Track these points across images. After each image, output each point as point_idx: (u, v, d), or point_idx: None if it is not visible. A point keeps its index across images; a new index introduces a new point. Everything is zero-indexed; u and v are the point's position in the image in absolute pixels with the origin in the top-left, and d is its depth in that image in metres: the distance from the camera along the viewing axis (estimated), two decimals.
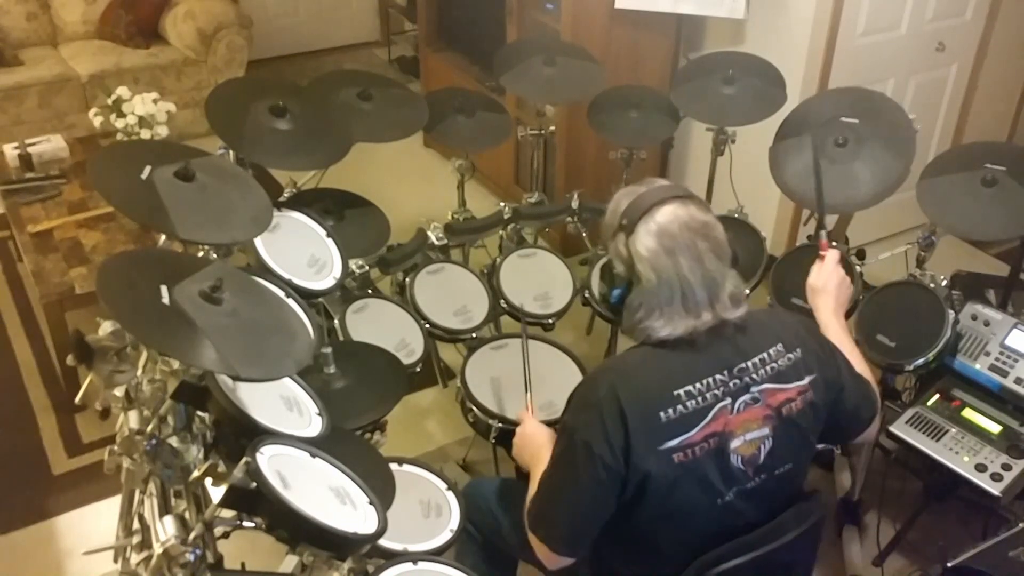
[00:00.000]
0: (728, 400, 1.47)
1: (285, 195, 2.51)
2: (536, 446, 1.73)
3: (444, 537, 1.74)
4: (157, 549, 1.38)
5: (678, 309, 1.46)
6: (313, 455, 1.51)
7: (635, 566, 1.61)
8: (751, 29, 3.41)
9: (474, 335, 2.45)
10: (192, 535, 1.39)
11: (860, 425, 1.70)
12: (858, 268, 2.35)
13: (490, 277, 2.60)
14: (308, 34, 5.92)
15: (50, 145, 3.52)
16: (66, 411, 2.96)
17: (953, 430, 2.12)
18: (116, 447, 1.56)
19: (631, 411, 1.42)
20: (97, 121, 3.33)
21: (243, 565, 1.63)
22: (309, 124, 2.23)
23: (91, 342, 1.65)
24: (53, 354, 3.10)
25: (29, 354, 3.24)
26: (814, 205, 2.34)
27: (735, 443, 1.48)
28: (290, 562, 1.37)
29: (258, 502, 1.32)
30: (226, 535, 1.58)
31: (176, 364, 1.64)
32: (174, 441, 1.62)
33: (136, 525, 1.72)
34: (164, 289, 1.38)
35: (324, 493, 1.43)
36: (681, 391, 1.45)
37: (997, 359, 2.13)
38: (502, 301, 2.53)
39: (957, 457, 2.05)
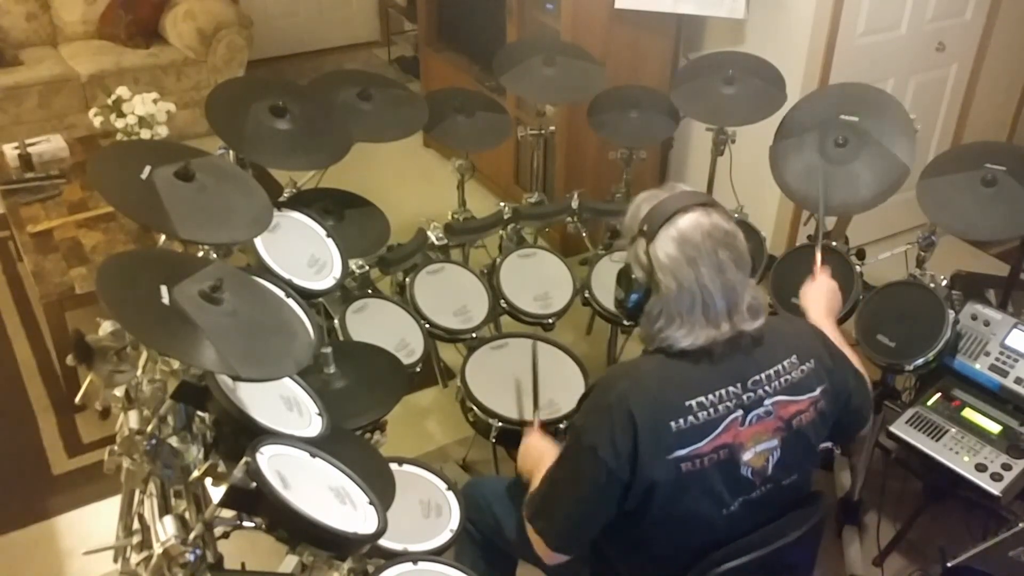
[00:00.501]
0: (740, 412, 1.47)
1: (285, 195, 2.51)
2: (539, 456, 1.74)
3: (444, 537, 1.74)
4: (157, 549, 1.38)
5: (699, 319, 1.44)
6: (313, 455, 1.51)
7: (637, 568, 1.61)
8: (751, 29, 3.41)
9: (474, 335, 2.45)
10: (192, 535, 1.39)
11: (861, 424, 1.71)
12: (858, 268, 2.35)
13: (490, 277, 2.60)
14: (308, 34, 5.92)
15: (50, 145, 3.52)
16: (66, 411, 2.96)
17: (953, 430, 2.12)
18: (116, 447, 1.56)
19: (641, 419, 1.42)
20: (97, 121, 3.33)
21: (243, 565, 1.63)
22: (309, 124, 2.23)
23: (91, 342, 1.65)
24: (53, 354, 3.10)
25: (29, 354, 3.24)
26: (813, 206, 2.35)
27: (746, 455, 1.47)
28: (290, 562, 1.37)
29: (258, 502, 1.32)
30: (226, 535, 1.58)
31: (176, 364, 1.64)
32: (174, 441, 1.62)
33: (136, 525, 1.72)
34: (164, 289, 1.38)
35: (324, 493, 1.43)
36: (693, 402, 1.44)
37: (997, 359, 2.13)
38: (502, 300, 2.53)
39: (957, 457, 2.05)
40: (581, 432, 1.49)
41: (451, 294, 2.51)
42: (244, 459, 1.31)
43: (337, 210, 2.43)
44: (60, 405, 2.99)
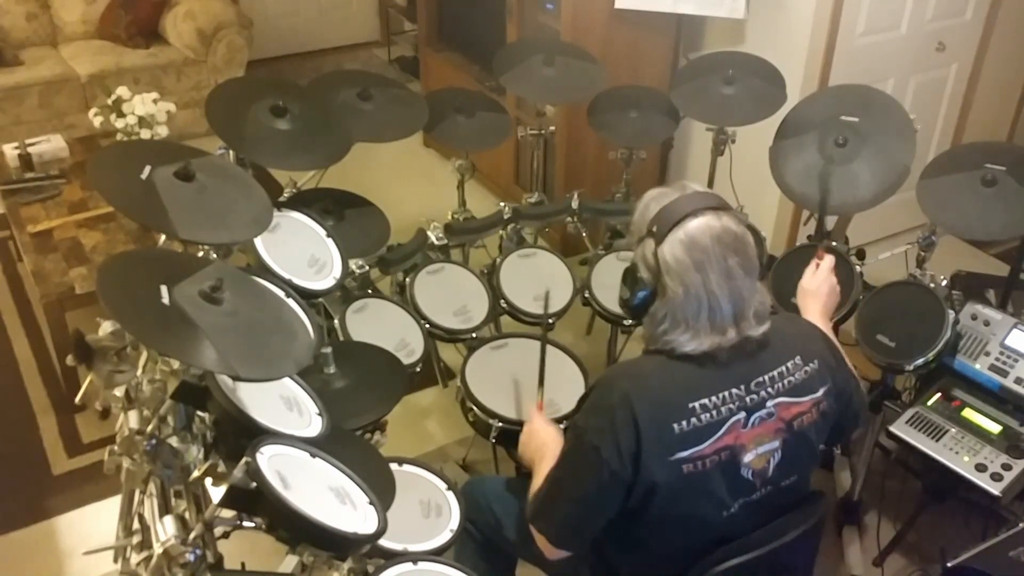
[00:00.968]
0: (742, 414, 1.46)
1: (285, 195, 2.51)
2: (541, 442, 1.73)
3: (444, 537, 1.74)
4: (157, 549, 1.38)
5: (704, 324, 1.43)
6: (313, 455, 1.51)
7: (636, 567, 1.61)
8: (751, 29, 3.41)
9: (474, 335, 2.45)
10: (192, 535, 1.39)
11: (858, 425, 1.72)
12: (858, 268, 2.35)
13: (490, 277, 2.60)
14: (308, 34, 5.92)
15: (50, 145, 3.52)
16: (66, 411, 2.96)
17: (953, 430, 2.12)
18: (116, 447, 1.56)
19: (644, 420, 1.41)
20: (97, 121, 3.33)
21: (243, 565, 1.63)
22: (309, 124, 2.23)
23: (91, 342, 1.65)
24: (53, 354, 3.10)
25: (29, 354, 3.24)
26: (814, 205, 2.35)
27: (748, 457, 1.47)
28: (290, 562, 1.37)
29: (258, 502, 1.32)
30: (226, 535, 1.58)
31: (176, 364, 1.64)
32: (174, 441, 1.62)
33: (136, 525, 1.72)
34: (164, 289, 1.38)
35: (324, 493, 1.43)
36: (696, 404, 1.43)
37: (997, 359, 2.13)
38: (502, 300, 2.53)
39: (957, 457, 2.05)
40: (583, 432, 1.48)
41: (451, 294, 2.51)
42: (244, 459, 1.31)
43: (337, 210, 2.43)
44: (60, 405, 2.99)
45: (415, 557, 1.54)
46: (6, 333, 3.35)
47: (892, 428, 2.16)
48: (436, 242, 2.64)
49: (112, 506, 1.94)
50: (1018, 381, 2.09)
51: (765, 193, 2.73)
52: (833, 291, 1.91)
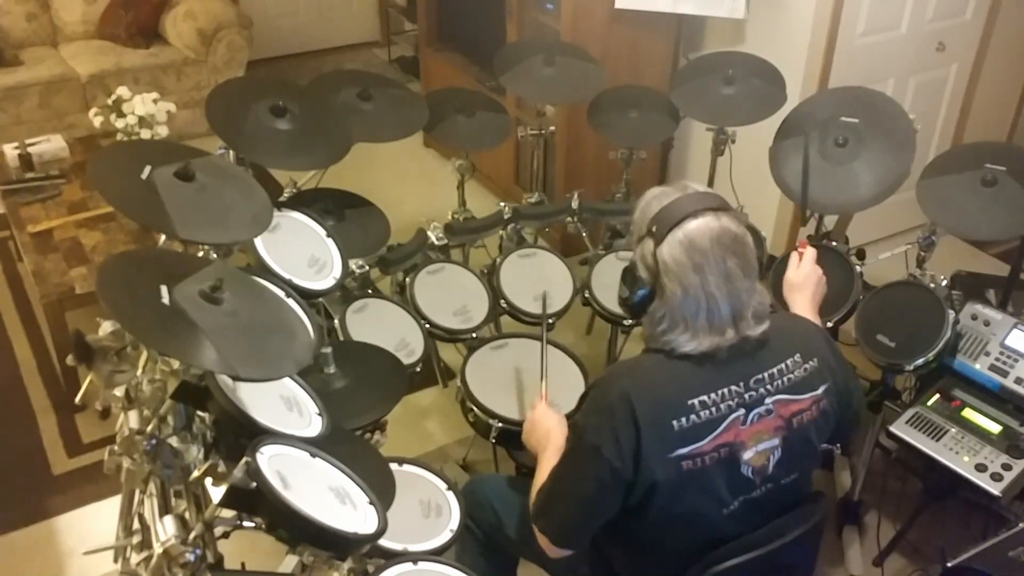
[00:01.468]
0: (741, 411, 1.47)
1: (285, 195, 2.51)
2: (545, 429, 1.74)
3: (444, 537, 1.74)
4: (157, 549, 1.38)
5: (702, 325, 1.43)
6: (313, 455, 1.51)
7: (636, 567, 1.61)
8: (751, 29, 3.41)
9: (474, 335, 2.45)
10: (192, 535, 1.39)
11: (858, 424, 1.72)
12: (858, 268, 2.35)
13: (490, 277, 2.60)
14: (308, 34, 5.92)
15: (50, 145, 3.52)
16: (66, 411, 2.96)
17: (953, 430, 2.12)
18: (116, 447, 1.56)
19: (644, 418, 1.41)
20: (97, 121, 3.33)
21: (243, 565, 1.63)
22: (309, 124, 2.23)
23: (91, 342, 1.65)
24: (53, 354, 3.09)
25: (29, 354, 3.24)
26: (814, 205, 2.35)
27: (747, 454, 1.47)
28: (290, 562, 1.37)
29: (258, 502, 1.32)
30: (226, 535, 1.58)
31: (176, 364, 1.64)
32: (174, 441, 1.62)
33: (136, 525, 1.72)
34: (164, 289, 1.38)
35: (324, 493, 1.43)
36: (695, 401, 1.44)
37: (997, 359, 2.13)
38: (502, 300, 2.53)
39: (957, 457, 2.05)
40: (583, 431, 1.49)
41: (451, 294, 2.51)
42: (244, 459, 1.31)
43: (337, 210, 2.43)
44: (60, 405, 2.99)
45: (415, 557, 1.54)
46: (6, 333, 3.35)
47: (892, 428, 2.16)
48: (436, 242, 2.63)
49: (112, 506, 1.94)
50: (1018, 381, 2.09)
51: (765, 193, 2.73)
52: (820, 282, 1.89)
